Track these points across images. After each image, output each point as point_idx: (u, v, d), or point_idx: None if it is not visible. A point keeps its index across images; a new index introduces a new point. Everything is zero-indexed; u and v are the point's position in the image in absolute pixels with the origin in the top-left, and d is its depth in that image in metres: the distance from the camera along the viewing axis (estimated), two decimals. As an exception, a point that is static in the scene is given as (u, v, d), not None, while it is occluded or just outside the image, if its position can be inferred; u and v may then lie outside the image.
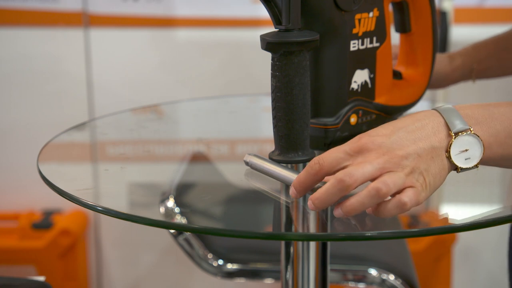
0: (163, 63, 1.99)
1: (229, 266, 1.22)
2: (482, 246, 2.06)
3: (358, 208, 0.63)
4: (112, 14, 1.94)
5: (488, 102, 0.69)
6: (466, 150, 0.66)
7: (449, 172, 0.67)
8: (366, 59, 0.81)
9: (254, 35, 1.90)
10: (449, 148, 0.66)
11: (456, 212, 0.98)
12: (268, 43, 0.72)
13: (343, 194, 0.64)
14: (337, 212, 0.65)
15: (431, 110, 0.68)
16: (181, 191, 1.04)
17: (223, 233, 0.77)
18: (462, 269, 2.05)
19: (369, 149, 0.64)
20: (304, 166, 0.85)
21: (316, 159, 0.65)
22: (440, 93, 1.88)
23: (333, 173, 0.65)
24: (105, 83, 1.98)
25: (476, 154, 0.67)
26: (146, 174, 1.09)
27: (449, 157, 0.66)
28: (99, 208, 0.75)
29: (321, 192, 0.64)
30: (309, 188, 0.66)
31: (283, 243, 0.85)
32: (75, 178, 0.99)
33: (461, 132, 0.66)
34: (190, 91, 1.99)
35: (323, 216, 0.74)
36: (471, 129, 0.66)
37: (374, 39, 0.81)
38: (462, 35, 1.89)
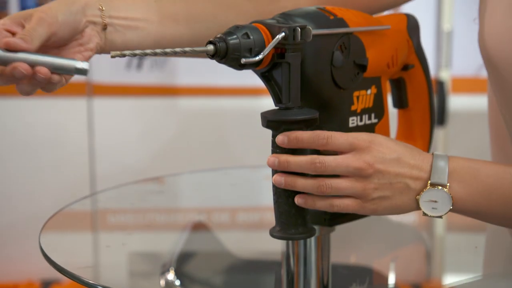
0: (166, 131, 2.01)
1: None
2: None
3: (293, 165, 0.71)
4: (115, 83, 1.97)
5: (481, 160, 0.74)
6: (435, 201, 0.71)
7: (412, 210, 0.73)
8: None
9: (257, 104, 1.92)
10: (420, 194, 0.72)
11: (458, 281, 0.97)
12: (268, 121, 0.73)
13: (310, 172, 0.71)
14: (272, 159, 0.72)
15: (428, 154, 0.73)
16: (182, 262, 1.04)
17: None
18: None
19: (369, 150, 0.71)
20: (304, 243, 0.85)
21: (326, 134, 0.71)
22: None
23: None
24: (107, 151, 2.00)
25: (443, 208, 0.72)
26: (147, 243, 1.09)
27: (417, 200, 0.72)
28: (99, 287, 0.75)
29: (294, 157, 0.71)
30: (300, 146, 0.71)
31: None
32: (75, 251, 0.99)
33: (437, 185, 0.71)
34: (193, 160, 2.00)
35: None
36: (447, 185, 0.71)
37: (373, 115, 0.82)
38: (460, 104, 1.91)
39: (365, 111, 0.81)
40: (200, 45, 0.77)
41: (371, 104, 0.82)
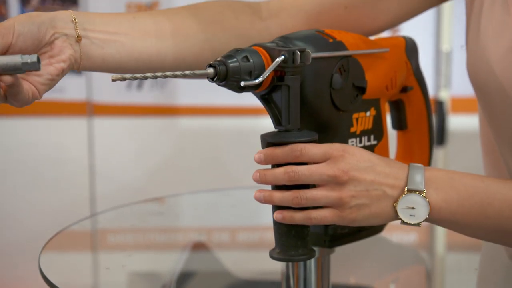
0: (166, 151, 2.02)
1: None
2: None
3: (270, 177, 0.72)
4: (115, 103, 1.98)
5: (457, 171, 0.75)
6: (413, 208, 0.72)
7: (391, 219, 0.73)
8: None
9: (258, 124, 1.93)
10: (397, 200, 0.72)
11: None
12: (268, 143, 0.74)
13: (285, 183, 0.72)
14: (254, 175, 0.73)
15: (404, 164, 0.74)
16: (182, 282, 1.03)
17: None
18: None
19: (343, 158, 0.72)
20: (304, 264, 0.85)
21: (300, 147, 0.71)
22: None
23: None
24: (107, 171, 2.00)
25: (420, 214, 0.72)
26: (147, 263, 1.09)
27: (395, 207, 0.72)
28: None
29: (270, 170, 0.72)
30: (276, 162, 0.72)
31: None
32: (75, 272, 0.99)
33: (414, 191, 0.72)
34: (193, 180, 2.00)
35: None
36: (424, 191, 0.72)
37: (372, 137, 0.83)
38: (459, 124, 1.92)
39: (364, 133, 0.82)
40: (186, 61, 0.77)
41: (370, 126, 0.82)
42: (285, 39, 0.75)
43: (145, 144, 2.01)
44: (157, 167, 2.02)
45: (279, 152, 0.72)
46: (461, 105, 1.92)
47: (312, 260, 0.85)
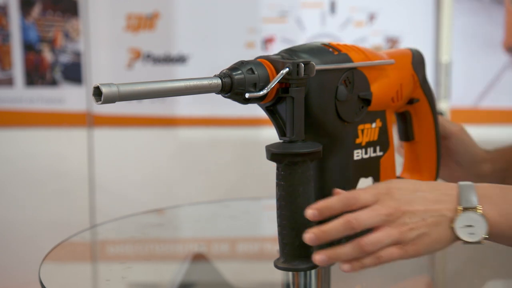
0: (166, 162, 2.01)
1: None
2: None
3: (332, 232, 0.70)
4: (115, 114, 1.98)
5: (507, 185, 0.75)
6: (471, 226, 0.72)
7: (452, 241, 0.73)
8: (370, 168, 0.83)
9: (257, 134, 1.93)
10: (454, 220, 0.72)
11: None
12: (272, 154, 0.74)
13: (347, 234, 0.70)
14: (308, 236, 0.70)
15: (452, 184, 0.74)
16: (182, 294, 1.03)
17: None
18: None
19: (391, 196, 0.72)
20: (305, 275, 0.85)
21: (353, 195, 0.71)
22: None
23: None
24: (107, 182, 2.00)
25: (480, 231, 0.72)
26: (147, 274, 1.09)
27: (453, 228, 0.72)
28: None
29: (328, 226, 0.70)
30: (333, 214, 0.71)
31: None
32: (75, 284, 0.98)
33: (469, 208, 0.72)
34: (192, 190, 2.00)
35: None
36: (479, 207, 0.72)
37: (378, 148, 0.83)
38: (459, 135, 1.92)
39: (370, 144, 0.82)
40: None
41: (376, 137, 0.82)
42: (291, 52, 0.75)
43: (145, 154, 2.01)
44: (157, 178, 2.01)
45: (335, 203, 0.71)
46: (460, 116, 1.92)
47: (313, 271, 0.84)
